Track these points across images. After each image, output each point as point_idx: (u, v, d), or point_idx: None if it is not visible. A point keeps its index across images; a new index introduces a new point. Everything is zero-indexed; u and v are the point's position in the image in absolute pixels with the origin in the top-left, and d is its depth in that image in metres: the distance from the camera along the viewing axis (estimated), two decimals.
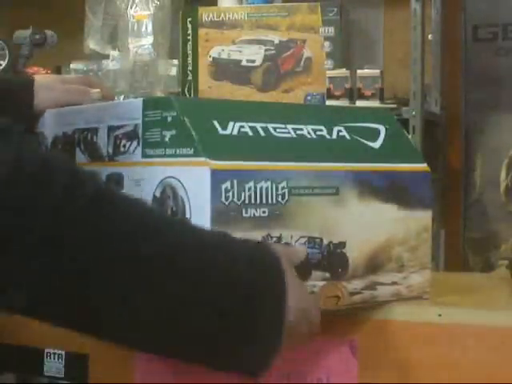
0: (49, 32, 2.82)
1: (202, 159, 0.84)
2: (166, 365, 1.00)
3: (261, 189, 0.86)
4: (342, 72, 3.13)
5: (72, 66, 3.34)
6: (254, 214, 0.85)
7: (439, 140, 3.40)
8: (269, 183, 0.86)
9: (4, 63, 2.87)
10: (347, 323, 0.97)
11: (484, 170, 3.36)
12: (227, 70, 1.25)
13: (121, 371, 1.03)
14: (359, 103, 3.07)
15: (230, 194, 0.83)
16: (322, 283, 0.91)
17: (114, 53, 3.22)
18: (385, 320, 0.97)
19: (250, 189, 0.85)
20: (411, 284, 0.99)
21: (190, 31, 1.25)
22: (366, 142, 0.99)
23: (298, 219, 0.89)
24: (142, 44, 3.17)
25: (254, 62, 1.24)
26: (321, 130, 0.96)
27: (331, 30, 3.28)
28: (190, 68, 1.25)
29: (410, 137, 2.96)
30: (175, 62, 3.13)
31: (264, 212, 0.86)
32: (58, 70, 3.39)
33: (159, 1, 3.18)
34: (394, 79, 3.25)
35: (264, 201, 0.86)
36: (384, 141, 1.00)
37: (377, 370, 0.97)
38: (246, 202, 0.85)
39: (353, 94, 3.10)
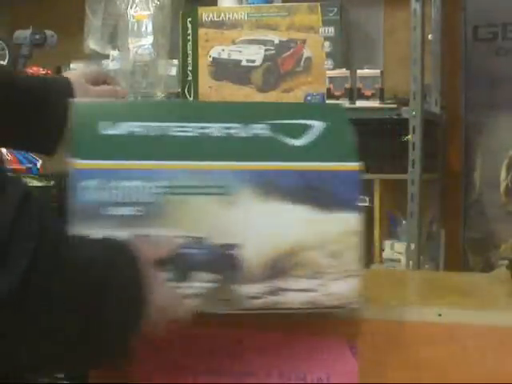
0: (49, 32, 2.82)
1: (74, 159, 0.86)
2: (166, 365, 1.00)
3: (132, 188, 0.86)
4: (342, 72, 3.13)
5: (72, 66, 3.34)
6: (123, 213, 0.85)
7: (439, 140, 3.40)
8: (141, 182, 0.86)
9: (4, 63, 2.87)
10: (347, 323, 0.97)
11: (484, 170, 3.36)
12: (227, 70, 1.25)
13: (121, 371, 1.03)
14: (359, 103, 3.07)
15: (96, 192, 0.84)
16: (210, 285, 0.88)
17: (114, 53, 3.22)
18: (385, 320, 0.97)
19: (119, 187, 0.85)
20: (332, 292, 0.92)
21: (190, 31, 1.25)
22: (287, 139, 0.93)
23: (177, 219, 0.87)
24: (142, 44, 3.17)
25: (254, 61, 1.25)
26: (234, 128, 0.93)
27: (331, 30, 3.28)
28: (190, 68, 1.25)
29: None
30: (175, 61, 3.13)
31: (137, 210, 0.86)
32: (57, 70, 3.39)
33: (159, 1, 3.17)
34: (394, 79, 3.25)
35: (136, 199, 0.85)
36: (315, 138, 0.94)
37: (377, 370, 0.97)
38: (115, 200, 0.85)
39: (353, 93, 3.10)
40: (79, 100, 0.94)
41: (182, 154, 0.89)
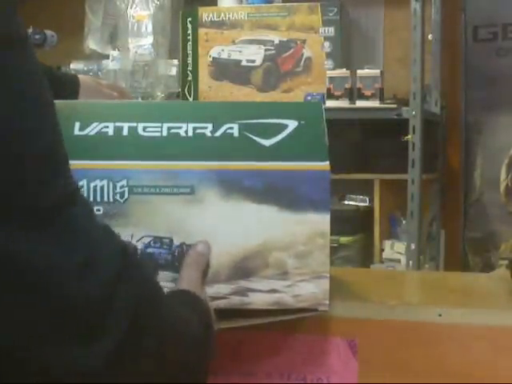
0: (49, 32, 2.83)
1: None
2: None
3: (95, 187, 0.86)
4: (342, 72, 3.14)
5: (72, 66, 3.34)
6: None
7: (439, 140, 3.40)
8: (105, 182, 0.86)
9: None
10: (347, 323, 0.97)
11: (484, 170, 3.37)
12: (227, 70, 1.25)
13: None
14: (359, 103, 3.08)
15: None
16: (172, 284, 0.87)
17: (114, 53, 3.23)
18: (385, 320, 0.97)
19: (81, 187, 0.85)
20: (299, 294, 0.90)
21: (189, 31, 1.25)
22: (258, 139, 0.92)
23: (140, 218, 0.87)
24: (142, 44, 3.17)
25: (254, 61, 1.24)
26: (204, 128, 0.92)
27: (331, 30, 3.28)
28: (190, 68, 1.25)
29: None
30: (175, 61, 3.13)
31: (98, 210, 0.86)
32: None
33: (159, 1, 3.18)
34: (394, 79, 3.26)
35: (99, 199, 0.86)
36: (286, 138, 0.92)
37: (377, 370, 0.97)
38: None
39: (353, 93, 3.10)
40: (56, 101, 0.94)
41: (149, 154, 0.89)
